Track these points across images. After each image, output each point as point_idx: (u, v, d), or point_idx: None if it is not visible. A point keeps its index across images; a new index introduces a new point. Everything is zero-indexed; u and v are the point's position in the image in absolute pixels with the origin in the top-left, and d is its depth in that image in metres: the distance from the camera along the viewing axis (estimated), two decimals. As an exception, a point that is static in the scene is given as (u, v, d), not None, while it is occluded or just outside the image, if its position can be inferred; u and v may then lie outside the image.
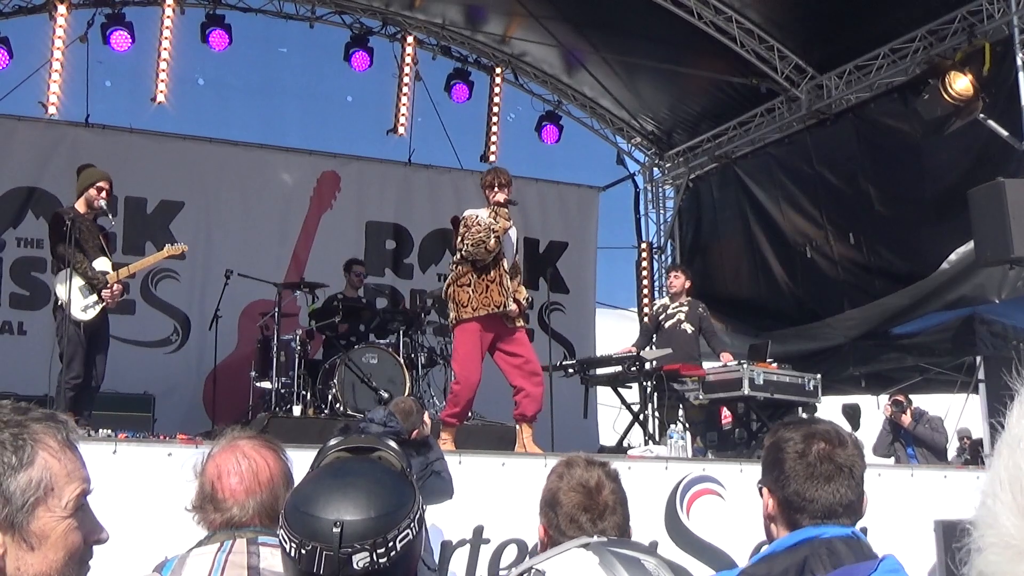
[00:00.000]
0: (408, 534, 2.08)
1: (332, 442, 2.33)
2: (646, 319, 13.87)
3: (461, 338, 9.42)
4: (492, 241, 9.28)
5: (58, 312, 9.29)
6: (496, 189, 9.54)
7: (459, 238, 9.53)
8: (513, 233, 9.70)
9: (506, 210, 9.49)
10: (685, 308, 12.18)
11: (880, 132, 13.84)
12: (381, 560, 2.04)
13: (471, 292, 9.32)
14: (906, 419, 13.54)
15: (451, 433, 9.35)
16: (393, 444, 2.31)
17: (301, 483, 2.30)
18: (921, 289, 13.09)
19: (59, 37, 13.86)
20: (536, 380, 9.58)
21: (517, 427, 9.73)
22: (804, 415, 11.28)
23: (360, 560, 2.03)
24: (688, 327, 12.03)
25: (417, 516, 2.13)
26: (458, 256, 9.54)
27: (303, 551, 2.05)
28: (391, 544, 2.05)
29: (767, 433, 3.27)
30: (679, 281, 12.41)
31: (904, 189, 13.48)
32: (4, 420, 1.73)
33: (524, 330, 9.84)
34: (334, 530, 2.02)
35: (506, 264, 9.51)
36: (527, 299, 9.86)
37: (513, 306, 9.41)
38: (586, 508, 3.11)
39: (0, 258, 11.08)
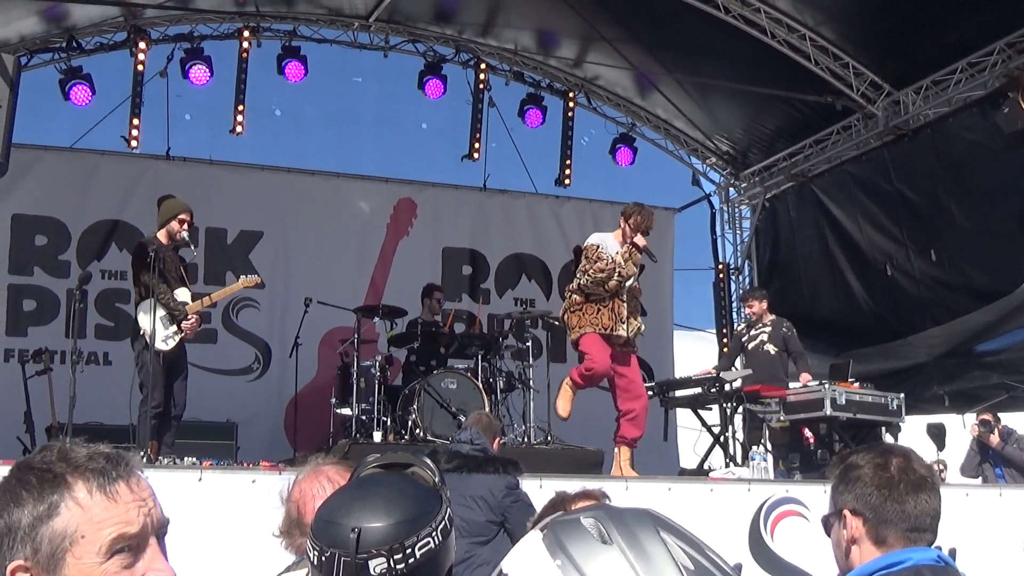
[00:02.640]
0: (429, 543, 2.07)
1: (369, 458, 2.34)
2: (726, 341, 13.78)
3: (587, 345, 9.57)
4: (613, 282, 9.45)
5: (137, 342, 9.43)
6: (638, 231, 9.56)
7: (578, 267, 9.72)
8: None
9: (639, 255, 9.55)
10: (768, 328, 12.12)
11: (960, 147, 13.65)
12: (398, 567, 2.03)
13: (582, 315, 9.57)
14: (994, 439, 13.29)
15: (570, 392, 9.66)
16: (429, 461, 2.31)
17: (331, 496, 2.32)
18: (1006, 305, 12.88)
19: (139, 73, 14.14)
20: (640, 404, 9.64)
21: (616, 450, 9.74)
22: (888, 435, 11.17)
23: (377, 566, 2.02)
24: (771, 347, 11.95)
25: (441, 527, 2.11)
26: (574, 285, 9.71)
27: (323, 558, 2.06)
28: (409, 551, 2.04)
29: (830, 467, 3.22)
30: (755, 308, 12.35)
31: (986, 204, 13.27)
32: (39, 468, 1.77)
33: (634, 355, 9.91)
34: (351, 535, 2.03)
35: (623, 296, 9.61)
36: (639, 328, 9.85)
37: (622, 332, 9.52)
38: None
39: (85, 290, 11.29)
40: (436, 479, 2.25)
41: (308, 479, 3.04)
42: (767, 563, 8.44)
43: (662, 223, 17.80)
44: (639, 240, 9.54)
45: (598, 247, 9.55)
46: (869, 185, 15.18)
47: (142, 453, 8.77)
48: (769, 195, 17.41)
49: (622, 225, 9.68)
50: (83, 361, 12.55)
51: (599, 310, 9.52)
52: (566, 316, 9.76)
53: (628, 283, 9.61)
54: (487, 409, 11.02)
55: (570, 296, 9.78)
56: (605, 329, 9.48)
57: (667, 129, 17.64)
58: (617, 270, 9.41)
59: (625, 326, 9.54)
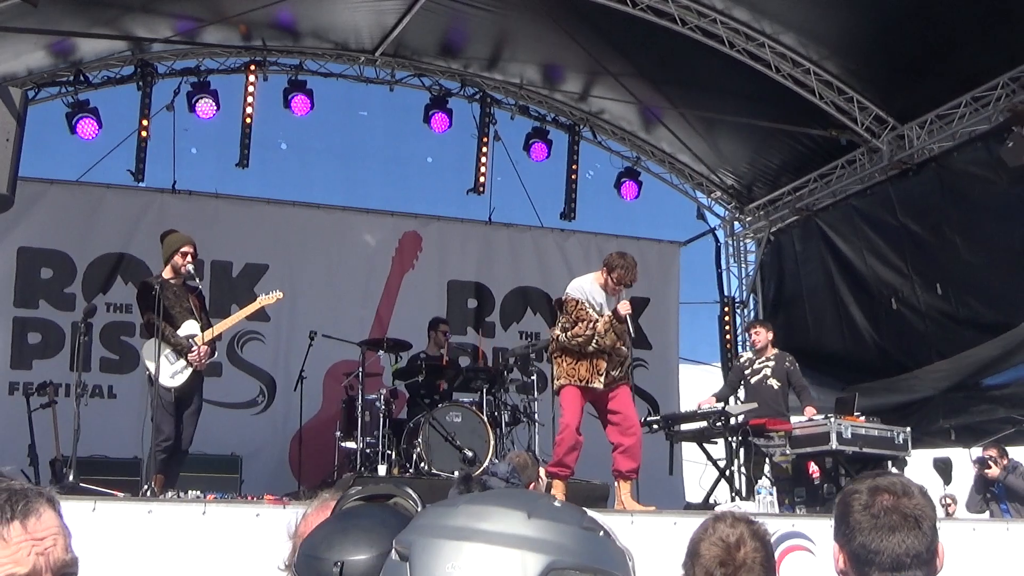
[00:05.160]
0: None
1: (351, 491, 2.32)
2: (731, 371, 13.75)
3: (563, 398, 9.68)
4: (591, 348, 9.45)
5: (150, 379, 9.43)
6: (620, 284, 9.49)
7: (558, 320, 9.79)
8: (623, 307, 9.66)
9: (622, 325, 9.53)
10: (771, 363, 12.06)
11: (965, 181, 13.66)
12: None
13: (564, 365, 9.60)
14: (992, 472, 13.23)
15: (561, 487, 9.45)
16: (411, 491, 2.30)
17: (312, 531, 2.31)
18: (1012, 339, 12.84)
19: (146, 106, 14.22)
20: (632, 437, 9.60)
21: (616, 484, 9.74)
22: (895, 469, 11.11)
23: None
24: (774, 382, 11.90)
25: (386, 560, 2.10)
26: (556, 335, 9.73)
27: None
28: None
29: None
30: (760, 337, 12.33)
31: (992, 238, 13.27)
32: None
33: (626, 386, 9.87)
34: (334, 570, 2.01)
35: (606, 351, 9.59)
36: (627, 362, 9.88)
37: (597, 385, 9.50)
38: (723, 563, 3.19)
39: (91, 323, 11.27)
40: (418, 508, 2.24)
41: (315, 513, 3.03)
42: (773, 598, 8.37)
43: (667, 257, 17.86)
44: (622, 308, 9.46)
45: (577, 303, 9.51)
46: (874, 219, 15.18)
47: (146, 486, 8.76)
48: (774, 229, 17.43)
49: (604, 276, 9.60)
50: (87, 394, 12.54)
51: (577, 362, 9.53)
52: (553, 358, 9.87)
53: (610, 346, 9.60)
54: (492, 443, 11.02)
55: (553, 342, 9.81)
56: (581, 381, 9.50)
57: (672, 163, 17.67)
58: (595, 338, 9.42)
59: (603, 377, 9.51)
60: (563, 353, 9.62)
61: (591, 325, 9.41)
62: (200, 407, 9.71)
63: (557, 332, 9.68)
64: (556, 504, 1.48)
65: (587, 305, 9.49)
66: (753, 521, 3.41)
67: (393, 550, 1.47)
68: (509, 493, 1.51)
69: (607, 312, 9.53)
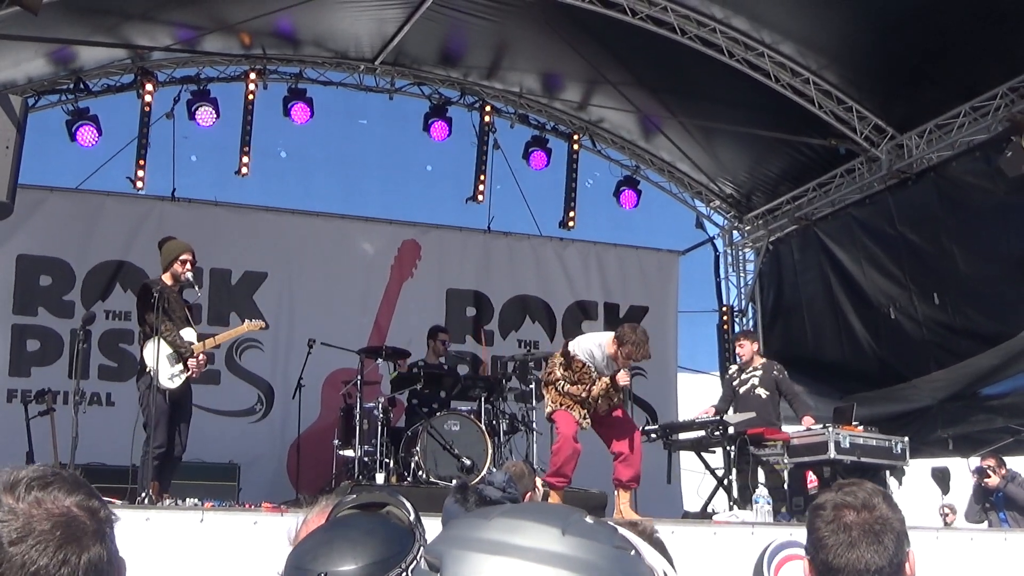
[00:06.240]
0: None
1: (346, 499, 2.32)
2: (723, 385, 13.76)
3: (557, 416, 9.98)
4: (581, 403, 9.76)
5: (142, 381, 9.41)
6: (629, 359, 9.75)
7: (560, 363, 9.96)
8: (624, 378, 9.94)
9: (618, 395, 9.92)
10: (759, 372, 12.02)
11: (963, 191, 13.67)
12: None
13: (552, 393, 9.96)
14: (992, 481, 13.22)
15: (558, 497, 9.49)
16: (404, 500, 2.29)
17: (300, 541, 2.31)
18: (1010, 349, 12.84)
19: (146, 114, 14.23)
20: (631, 446, 9.70)
21: (615, 493, 9.80)
22: (892, 479, 11.12)
23: None
24: (762, 392, 11.85)
25: (413, 567, 2.05)
26: (557, 377, 9.94)
27: None
28: None
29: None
30: (744, 349, 12.31)
31: (989, 248, 13.28)
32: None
33: (619, 409, 10.21)
34: None
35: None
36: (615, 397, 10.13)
37: (585, 424, 9.85)
38: None
39: (90, 331, 11.24)
40: (411, 517, 2.23)
41: (315, 518, 3.03)
42: (771, 608, 8.38)
43: (666, 265, 17.86)
44: (621, 378, 9.76)
45: (583, 365, 9.75)
46: (872, 228, 15.18)
47: (143, 494, 8.74)
48: (773, 238, 17.43)
49: (615, 346, 9.75)
50: (86, 402, 12.54)
51: (564, 397, 9.86)
52: (546, 385, 10.16)
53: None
54: (490, 451, 11.01)
55: (550, 373, 10.06)
56: (563, 406, 9.85)
57: (671, 172, 17.68)
58: (589, 399, 9.70)
59: (585, 422, 9.85)
60: (553, 386, 9.97)
61: (588, 388, 9.68)
62: (191, 413, 9.73)
63: (559, 374, 9.89)
64: (589, 521, 1.48)
65: (591, 369, 9.70)
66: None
67: (423, 559, 1.47)
68: (544, 508, 1.52)
69: (606, 379, 9.75)
